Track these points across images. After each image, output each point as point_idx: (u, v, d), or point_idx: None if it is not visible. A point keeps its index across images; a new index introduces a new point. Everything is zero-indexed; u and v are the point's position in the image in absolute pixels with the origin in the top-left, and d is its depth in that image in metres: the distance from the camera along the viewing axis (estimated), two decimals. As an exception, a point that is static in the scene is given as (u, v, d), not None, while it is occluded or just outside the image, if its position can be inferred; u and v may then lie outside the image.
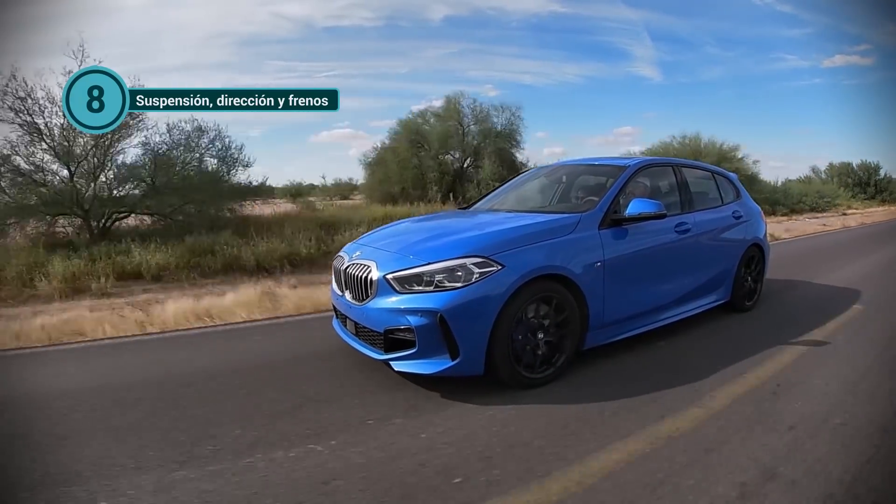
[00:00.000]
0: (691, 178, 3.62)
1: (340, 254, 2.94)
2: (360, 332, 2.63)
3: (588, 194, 3.28)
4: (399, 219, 4.13)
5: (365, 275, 2.49)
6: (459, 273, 2.31)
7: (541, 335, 2.48)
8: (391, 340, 2.40)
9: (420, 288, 2.34)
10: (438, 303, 2.25)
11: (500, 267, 2.33)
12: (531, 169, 4.01)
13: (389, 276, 2.39)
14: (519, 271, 2.36)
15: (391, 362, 2.41)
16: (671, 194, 3.40)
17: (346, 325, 2.83)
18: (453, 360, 2.28)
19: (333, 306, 3.09)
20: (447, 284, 2.30)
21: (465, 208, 3.79)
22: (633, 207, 2.85)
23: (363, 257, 2.63)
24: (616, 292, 2.76)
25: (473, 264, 2.32)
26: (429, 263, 2.36)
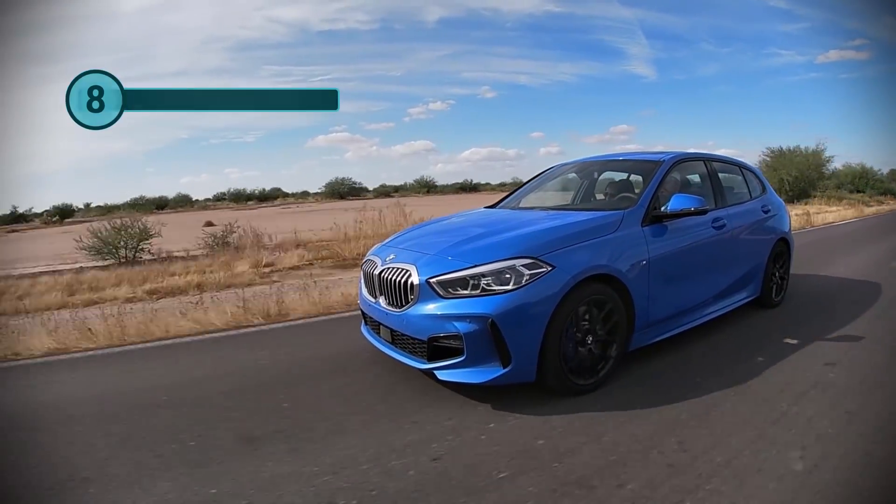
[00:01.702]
0: (721, 172, 3.55)
1: (370, 257, 2.78)
2: (397, 339, 2.49)
3: (622, 190, 3.18)
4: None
5: (404, 279, 2.35)
6: (508, 275, 2.19)
7: (589, 339, 2.37)
8: (435, 348, 2.26)
9: (466, 292, 2.20)
10: (488, 307, 2.12)
11: (550, 268, 2.21)
12: (555, 165, 3.89)
13: (433, 281, 2.25)
14: (570, 272, 2.24)
15: (436, 371, 2.27)
16: (704, 189, 3.31)
17: (379, 333, 2.68)
18: (504, 367, 2.15)
19: (362, 312, 2.94)
20: (495, 288, 2.17)
21: (492, 207, 3.65)
22: (676, 203, 2.75)
23: (399, 260, 2.48)
24: (660, 291, 2.66)
25: (523, 266, 2.20)
26: (475, 266, 2.23)
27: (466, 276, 2.21)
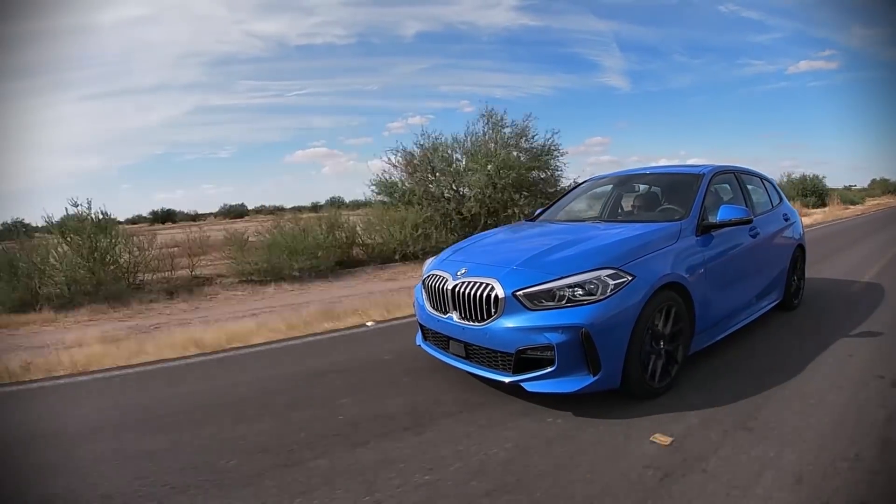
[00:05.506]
0: (749, 183, 3.75)
1: (434, 272, 2.78)
2: (473, 353, 2.50)
3: (665, 203, 3.32)
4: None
5: (486, 293, 2.37)
6: (594, 285, 2.25)
7: (661, 343, 2.46)
8: (522, 360, 2.29)
9: (552, 304, 2.25)
10: (580, 318, 2.18)
11: (631, 277, 2.30)
12: (589, 179, 4.02)
13: (519, 293, 2.29)
14: (649, 281, 2.33)
15: (523, 384, 2.30)
16: (737, 199, 3.49)
17: (447, 348, 2.67)
18: (594, 375, 2.21)
19: (421, 325, 2.94)
20: (582, 298, 2.23)
21: (533, 220, 3.73)
22: (724, 214, 2.89)
23: (474, 274, 2.50)
24: (714, 296, 2.79)
25: (608, 276, 2.27)
26: (561, 277, 2.28)
27: (553, 287, 2.26)
